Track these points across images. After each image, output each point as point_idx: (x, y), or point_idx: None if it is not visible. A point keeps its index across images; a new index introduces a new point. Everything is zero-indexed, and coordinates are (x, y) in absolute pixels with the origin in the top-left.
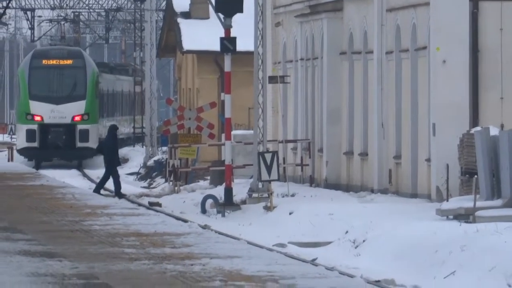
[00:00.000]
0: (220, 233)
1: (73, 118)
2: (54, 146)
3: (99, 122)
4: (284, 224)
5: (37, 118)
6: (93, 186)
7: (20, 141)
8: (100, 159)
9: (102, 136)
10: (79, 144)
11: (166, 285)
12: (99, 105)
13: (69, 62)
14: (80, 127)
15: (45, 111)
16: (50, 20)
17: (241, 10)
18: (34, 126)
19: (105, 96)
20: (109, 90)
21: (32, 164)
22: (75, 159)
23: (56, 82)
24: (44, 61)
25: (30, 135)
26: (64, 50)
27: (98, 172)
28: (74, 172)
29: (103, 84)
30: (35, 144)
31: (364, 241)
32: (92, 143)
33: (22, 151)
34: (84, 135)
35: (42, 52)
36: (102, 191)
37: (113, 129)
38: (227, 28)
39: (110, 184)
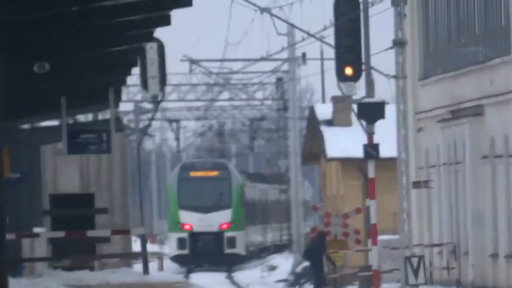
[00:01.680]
0: None
1: (220, 226)
2: (204, 253)
3: (246, 229)
4: None
5: (187, 227)
6: None
7: (172, 248)
8: (247, 265)
9: (250, 242)
10: (227, 251)
11: None
12: (246, 213)
13: (215, 173)
14: (227, 234)
15: (194, 220)
16: (200, 135)
17: (383, 117)
18: (185, 235)
19: (252, 204)
20: (256, 198)
21: (182, 271)
22: (224, 264)
23: (204, 192)
24: (192, 173)
25: (181, 243)
26: (210, 162)
27: (246, 278)
28: (223, 279)
29: (249, 193)
30: (186, 251)
31: None
32: (239, 249)
33: (174, 258)
34: (232, 242)
35: (190, 165)
36: None
37: (322, 234)
38: (370, 134)
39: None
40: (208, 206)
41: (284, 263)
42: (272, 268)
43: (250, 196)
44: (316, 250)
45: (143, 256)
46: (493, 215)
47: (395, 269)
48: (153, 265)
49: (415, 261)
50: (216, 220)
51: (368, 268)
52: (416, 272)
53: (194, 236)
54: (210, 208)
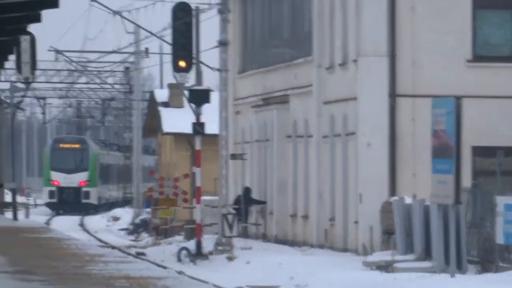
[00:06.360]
0: (192, 278)
1: (79, 183)
2: (67, 202)
3: (98, 186)
4: (243, 271)
5: (56, 183)
6: (92, 239)
7: (45, 198)
8: (96, 216)
9: (100, 195)
10: (83, 201)
11: None
12: (98, 174)
13: (77, 146)
14: (84, 189)
15: (61, 178)
16: (73, 114)
17: (208, 101)
18: (54, 188)
19: (103, 168)
20: (107, 163)
21: (46, 217)
22: (81, 210)
23: (69, 159)
24: (61, 145)
25: (51, 194)
26: (74, 137)
27: (95, 226)
28: (76, 226)
29: (102, 159)
30: (55, 200)
31: (306, 285)
32: (93, 200)
33: (47, 205)
34: (87, 195)
35: (59, 139)
36: (101, 244)
37: (248, 190)
38: (198, 115)
39: (104, 236)
40: (71, 168)
41: (126, 215)
42: (116, 218)
43: (102, 161)
44: (241, 201)
45: (13, 205)
46: (293, 183)
47: (214, 223)
48: (21, 213)
49: (230, 217)
50: (76, 179)
51: (193, 222)
52: (231, 227)
53: (61, 189)
54: (73, 170)
